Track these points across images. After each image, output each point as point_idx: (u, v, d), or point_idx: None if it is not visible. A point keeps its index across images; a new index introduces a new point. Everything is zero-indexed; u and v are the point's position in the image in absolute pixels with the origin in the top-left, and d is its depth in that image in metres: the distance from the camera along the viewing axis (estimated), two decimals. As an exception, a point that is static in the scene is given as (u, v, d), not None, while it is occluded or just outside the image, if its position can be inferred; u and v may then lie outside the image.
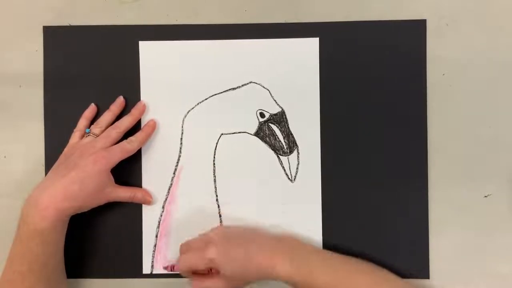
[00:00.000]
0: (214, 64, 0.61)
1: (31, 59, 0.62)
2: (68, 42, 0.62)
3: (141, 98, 0.61)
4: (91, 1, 0.62)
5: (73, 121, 0.61)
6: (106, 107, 0.61)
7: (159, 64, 0.61)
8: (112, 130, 0.58)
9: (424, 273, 0.60)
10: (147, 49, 0.61)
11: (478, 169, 0.60)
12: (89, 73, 0.61)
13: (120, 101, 0.60)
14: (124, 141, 0.58)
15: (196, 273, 0.56)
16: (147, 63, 0.61)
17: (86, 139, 0.58)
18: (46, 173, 0.61)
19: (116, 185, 0.58)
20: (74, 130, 0.60)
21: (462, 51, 0.61)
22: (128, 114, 0.60)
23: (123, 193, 0.58)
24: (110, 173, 0.56)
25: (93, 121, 0.61)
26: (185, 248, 0.57)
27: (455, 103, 0.61)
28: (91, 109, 0.61)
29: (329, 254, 0.57)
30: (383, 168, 0.60)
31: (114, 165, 0.56)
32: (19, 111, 0.62)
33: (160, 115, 0.61)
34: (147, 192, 0.60)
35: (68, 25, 0.62)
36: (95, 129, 0.58)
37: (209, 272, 0.55)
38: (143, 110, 0.61)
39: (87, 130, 0.59)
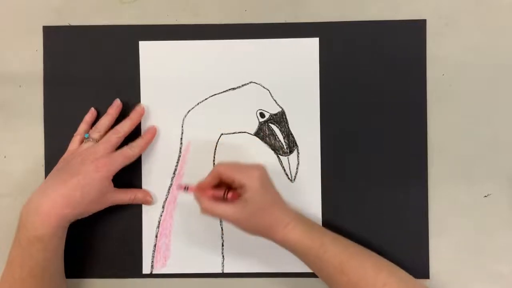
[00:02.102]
0: (214, 64, 0.61)
1: (31, 59, 0.62)
2: (68, 42, 0.62)
3: (141, 98, 0.61)
4: (91, 1, 0.62)
5: (73, 121, 0.61)
6: (106, 107, 0.60)
7: (159, 64, 0.61)
8: (112, 135, 0.57)
9: (424, 273, 0.60)
10: (147, 49, 0.61)
11: (478, 169, 0.60)
12: (89, 73, 0.61)
13: (117, 104, 0.60)
14: (125, 147, 0.57)
15: (208, 194, 0.55)
16: (147, 63, 0.61)
17: (86, 145, 0.57)
18: (46, 173, 0.61)
19: (116, 189, 0.58)
20: (75, 134, 0.59)
21: (462, 51, 0.61)
22: (127, 118, 0.59)
23: (124, 196, 0.58)
24: (111, 179, 0.56)
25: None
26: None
27: (455, 103, 0.61)
28: (91, 114, 0.60)
29: (337, 235, 0.57)
30: (383, 168, 0.60)
31: (116, 172, 0.56)
32: (19, 111, 0.62)
33: (160, 115, 0.61)
34: (147, 192, 0.60)
35: (68, 25, 0.62)
36: (94, 133, 0.58)
37: (225, 193, 0.55)
38: (142, 114, 0.60)
39: (86, 135, 0.59)
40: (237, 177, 0.53)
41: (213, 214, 0.54)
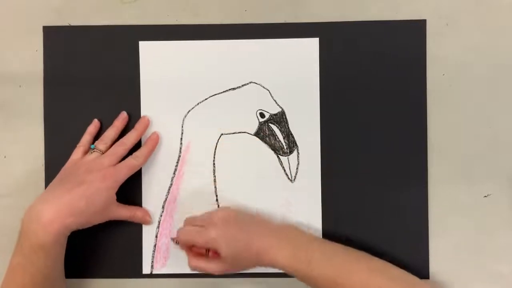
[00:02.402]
0: (214, 64, 0.61)
1: (31, 59, 0.62)
2: (68, 42, 0.62)
3: (141, 98, 0.61)
4: (91, 1, 0.62)
5: (73, 121, 0.61)
6: (107, 108, 0.61)
7: (159, 64, 0.61)
8: (118, 147, 0.58)
9: (424, 273, 0.60)
10: (147, 49, 0.61)
11: (478, 169, 0.60)
12: (89, 73, 0.61)
13: (123, 116, 0.60)
14: (130, 157, 0.58)
15: (194, 251, 0.56)
16: (147, 63, 0.61)
17: (91, 156, 0.57)
18: (46, 173, 0.61)
19: (118, 203, 0.58)
20: (78, 145, 0.59)
21: (462, 51, 0.61)
22: (133, 129, 0.60)
23: (124, 212, 0.58)
24: (115, 191, 0.56)
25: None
26: (189, 222, 0.58)
27: (455, 103, 0.61)
28: (94, 125, 0.60)
29: (327, 243, 0.56)
30: (383, 168, 0.60)
31: (121, 183, 0.56)
32: (19, 111, 0.62)
33: (160, 115, 0.61)
34: (146, 212, 0.60)
35: (68, 25, 0.62)
36: (100, 145, 0.58)
37: (206, 253, 0.56)
38: (147, 125, 0.60)
39: (92, 146, 0.58)
40: (200, 244, 0.54)
41: (201, 271, 0.56)
